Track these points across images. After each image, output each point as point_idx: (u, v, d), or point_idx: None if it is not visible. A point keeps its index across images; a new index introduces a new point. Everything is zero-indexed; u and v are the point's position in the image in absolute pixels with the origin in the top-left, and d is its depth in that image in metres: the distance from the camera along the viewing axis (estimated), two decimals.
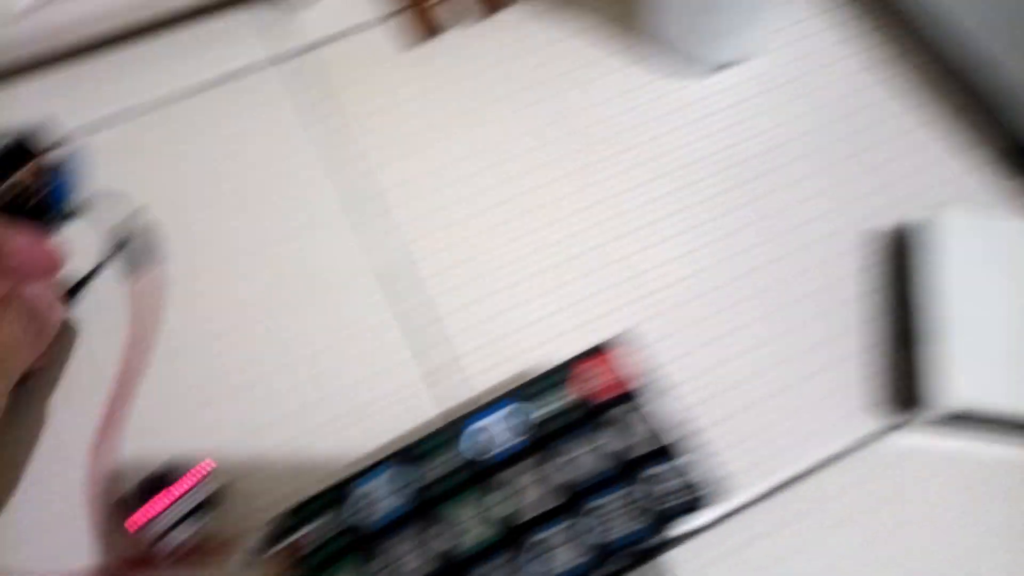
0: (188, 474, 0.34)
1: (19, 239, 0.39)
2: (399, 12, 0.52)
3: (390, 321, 0.42)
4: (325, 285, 0.44)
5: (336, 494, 0.31)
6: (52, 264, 0.40)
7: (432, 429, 0.33)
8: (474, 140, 0.48)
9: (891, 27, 0.51)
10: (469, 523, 0.30)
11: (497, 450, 0.32)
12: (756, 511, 0.37)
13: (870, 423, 0.39)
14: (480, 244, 0.44)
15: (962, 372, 0.36)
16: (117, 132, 0.48)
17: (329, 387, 0.41)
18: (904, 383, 0.40)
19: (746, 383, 0.40)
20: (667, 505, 0.30)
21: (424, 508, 0.31)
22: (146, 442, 0.39)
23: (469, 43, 0.52)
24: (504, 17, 0.52)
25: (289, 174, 0.47)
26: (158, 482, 0.34)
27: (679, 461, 0.31)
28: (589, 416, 0.32)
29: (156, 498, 0.34)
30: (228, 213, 0.46)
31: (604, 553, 0.30)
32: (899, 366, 0.40)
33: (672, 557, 0.36)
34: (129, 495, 0.35)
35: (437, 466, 0.32)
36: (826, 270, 0.43)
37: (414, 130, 0.48)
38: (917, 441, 0.39)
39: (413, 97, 0.50)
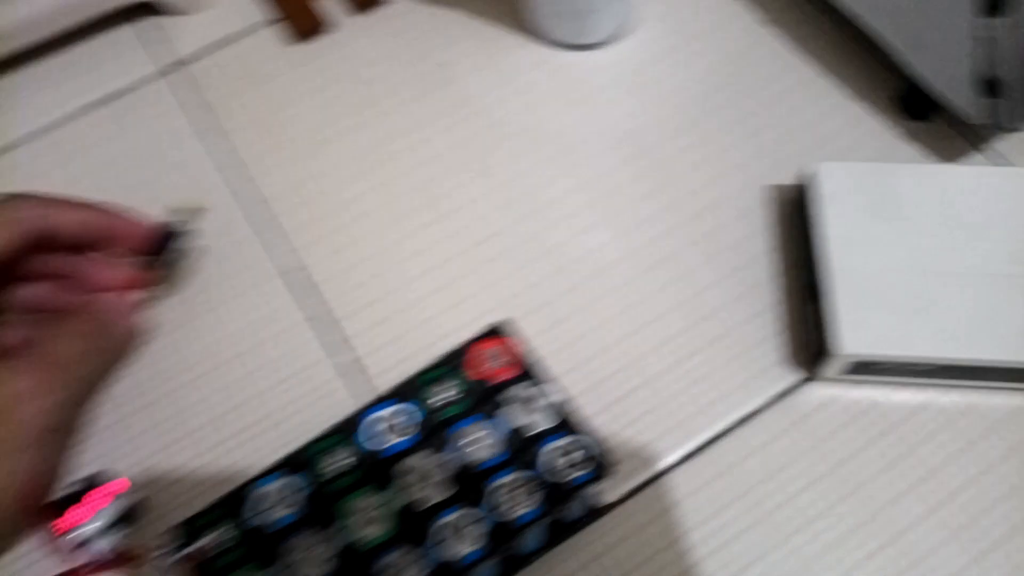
0: (105, 488, 0.34)
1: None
2: (281, 13, 0.51)
3: (301, 323, 0.42)
4: (232, 292, 0.43)
5: (235, 499, 0.31)
6: (135, 279, 0.40)
7: (329, 425, 0.32)
8: (363, 137, 0.47)
9: None
10: (371, 515, 0.30)
11: (396, 440, 0.31)
12: (677, 475, 0.37)
13: (783, 379, 0.40)
14: (373, 242, 0.44)
15: (859, 321, 0.37)
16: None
17: (241, 395, 0.40)
18: (812, 336, 0.40)
19: (655, 351, 0.40)
20: (573, 476, 0.30)
21: (325, 504, 0.30)
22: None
23: (351, 39, 0.51)
24: (384, 11, 0.52)
25: (186, 185, 0.46)
26: (79, 494, 0.34)
27: (580, 433, 0.31)
28: (487, 396, 0.32)
29: (77, 508, 0.33)
30: None
31: (510, 531, 0.29)
32: (807, 320, 0.41)
33: (599, 526, 0.36)
34: (55, 502, 0.34)
35: (335, 462, 0.31)
36: (730, 231, 0.44)
37: (303, 132, 0.48)
38: (828, 392, 0.39)
39: (300, 98, 0.49)
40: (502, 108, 0.48)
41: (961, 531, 0.36)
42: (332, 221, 0.45)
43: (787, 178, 0.45)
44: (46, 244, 0.37)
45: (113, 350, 0.38)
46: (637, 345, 0.41)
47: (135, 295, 0.40)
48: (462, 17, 0.51)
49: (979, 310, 0.37)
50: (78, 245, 0.38)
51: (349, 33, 0.51)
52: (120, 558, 0.34)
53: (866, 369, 0.38)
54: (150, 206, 0.45)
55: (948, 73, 0.42)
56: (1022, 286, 0.37)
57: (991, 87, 0.41)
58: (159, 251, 0.40)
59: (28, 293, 0.39)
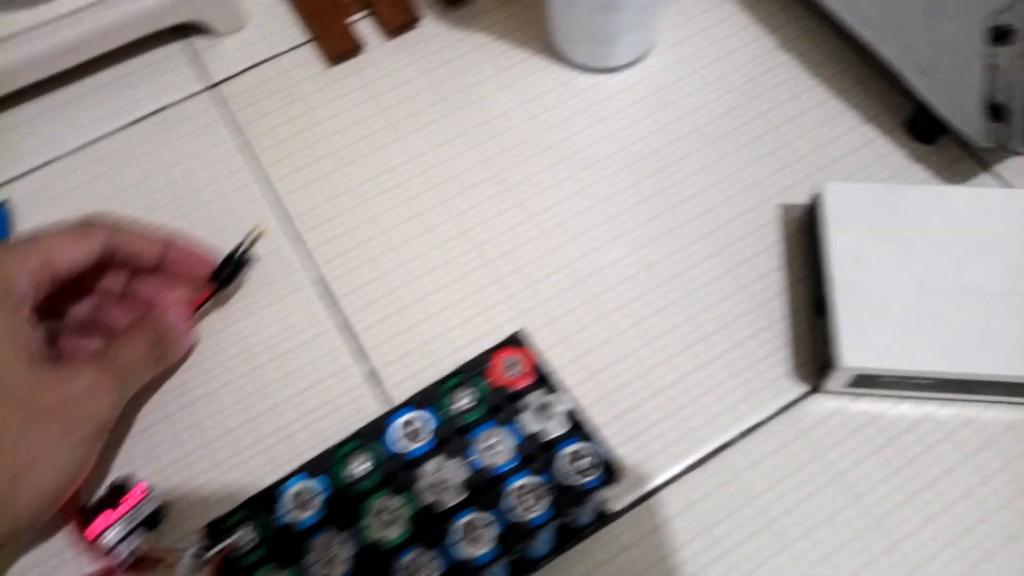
0: (132, 493, 0.36)
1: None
2: (316, 35, 0.54)
3: (331, 330, 0.44)
4: (266, 299, 0.45)
5: (260, 501, 0.33)
6: (191, 302, 0.43)
7: (354, 430, 0.35)
8: (391, 155, 0.50)
9: (791, 9, 0.54)
10: (390, 517, 0.32)
11: (419, 442, 0.34)
12: (684, 483, 0.39)
13: (788, 391, 0.41)
14: (395, 256, 0.46)
15: (862, 335, 0.38)
16: (50, 172, 0.50)
17: (276, 398, 0.42)
18: (817, 350, 0.42)
19: (665, 364, 0.42)
20: (584, 480, 0.32)
21: (347, 506, 0.33)
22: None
23: (382, 61, 0.54)
24: (414, 35, 0.55)
25: (225, 194, 0.49)
26: (108, 499, 0.36)
27: (594, 440, 0.33)
28: (505, 403, 0.34)
29: (107, 512, 0.35)
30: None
31: (523, 533, 0.31)
32: (813, 334, 0.43)
33: (606, 532, 0.38)
34: (87, 507, 0.36)
35: (358, 465, 0.33)
36: (741, 248, 0.45)
37: (333, 148, 0.50)
38: (831, 405, 0.41)
39: (331, 116, 0.51)
40: (525, 128, 0.50)
41: (957, 540, 0.37)
42: (355, 236, 0.47)
43: (798, 197, 0.47)
44: (110, 263, 0.40)
45: (166, 361, 0.41)
46: (647, 358, 0.42)
47: (193, 311, 0.42)
48: (489, 41, 0.54)
49: (978, 326, 0.38)
50: (139, 267, 0.41)
51: (380, 55, 0.54)
52: (144, 561, 0.36)
53: (868, 382, 0.39)
54: (188, 218, 0.48)
55: (956, 98, 0.44)
56: (1020, 303, 0.39)
57: (997, 112, 0.42)
58: (220, 279, 0.43)
59: (84, 307, 0.41)
